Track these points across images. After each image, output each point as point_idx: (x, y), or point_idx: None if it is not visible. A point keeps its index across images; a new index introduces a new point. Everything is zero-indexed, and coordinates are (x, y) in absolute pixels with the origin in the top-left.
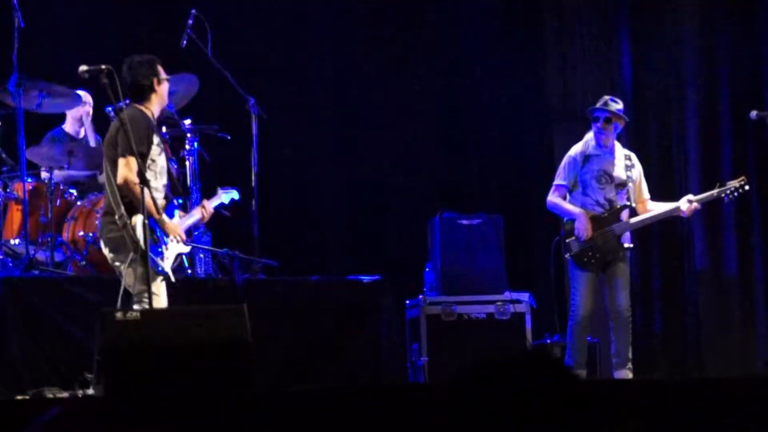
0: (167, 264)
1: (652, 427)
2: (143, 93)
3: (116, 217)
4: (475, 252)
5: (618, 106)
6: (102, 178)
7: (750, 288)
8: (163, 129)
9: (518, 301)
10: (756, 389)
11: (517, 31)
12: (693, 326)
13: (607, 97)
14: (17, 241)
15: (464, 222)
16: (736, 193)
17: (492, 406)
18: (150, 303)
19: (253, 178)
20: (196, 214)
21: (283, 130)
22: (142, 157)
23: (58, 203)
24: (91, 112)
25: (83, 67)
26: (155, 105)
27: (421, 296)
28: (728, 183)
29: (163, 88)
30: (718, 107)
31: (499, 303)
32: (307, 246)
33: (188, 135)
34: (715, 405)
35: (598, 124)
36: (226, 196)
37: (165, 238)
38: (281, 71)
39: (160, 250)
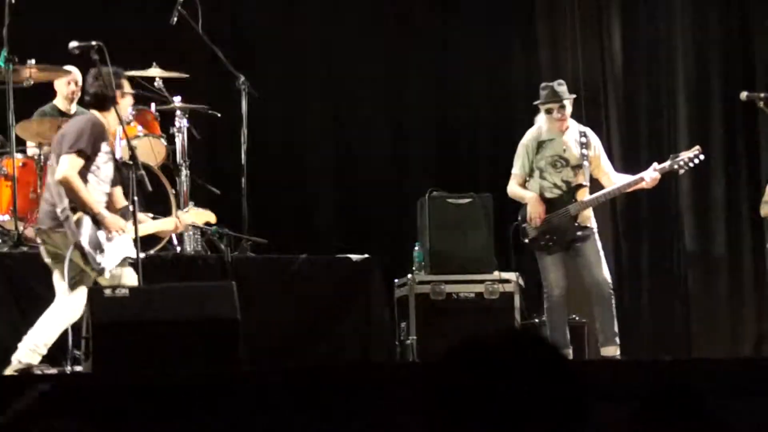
0: (107, 260)
1: (640, 408)
2: (105, 103)
3: (58, 210)
4: (464, 231)
5: (564, 87)
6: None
7: (739, 268)
8: (152, 105)
9: (507, 281)
10: (744, 370)
11: (507, 12)
12: (682, 306)
13: (551, 85)
14: (6, 216)
15: (454, 201)
16: (691, 164)
17: (479, 386)
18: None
19: (242, 155)
20: (168, 224)
21: (274, 108)
22: (87, 160)
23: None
24: (79, 89)
25: (73, 43)
26: (111, 119)
27: (410, 275)
28: (681, 153)
29: (125, 102)
30: (709, 88)
31: (488, 282)
32: (296, 224)
33: (178, 112)
34: (704, 385)
35: (554, 114)
36: (199, 216)
37: (108, 237)
38: (272, 49)
39: (103, 248)
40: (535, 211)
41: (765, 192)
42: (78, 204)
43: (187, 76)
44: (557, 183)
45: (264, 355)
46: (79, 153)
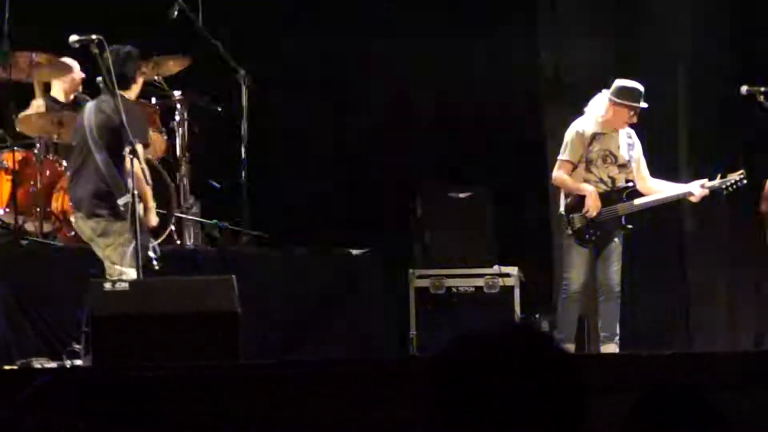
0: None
1: (640, 401)
2: (127, 83)
3: (120, 201)
4: (464, 225)
5: None
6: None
7: (739, 263)
8: (153, 99)
9: (507, 275)
10: (742, 364)
11: (510, 4)
12: (682, 302)
13: (640, 88)
14: (6, 210)
15: (454, 195)
16: (734, 186)
17: (479, 380)
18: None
19: (242, 149)
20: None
21: (274, 102)
22: (146, 148)
23: (47, 173)
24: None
25: (74, 37)
26: (133, 95)
27: (410, 269)
28: (729, 175)
29: (141, 81)
30: (708, 82)
31: (488, 276)
32: (296, 218)
33: (178, 106)
34: (703, 379)
35: (635, 119)
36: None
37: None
38: (272, 42)
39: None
40: (595, 206)
41: (765, 187)
42: (140, 193)
43: (189, 61)
44: (603, 178)
45: (264, 349)
46: (145, 144)
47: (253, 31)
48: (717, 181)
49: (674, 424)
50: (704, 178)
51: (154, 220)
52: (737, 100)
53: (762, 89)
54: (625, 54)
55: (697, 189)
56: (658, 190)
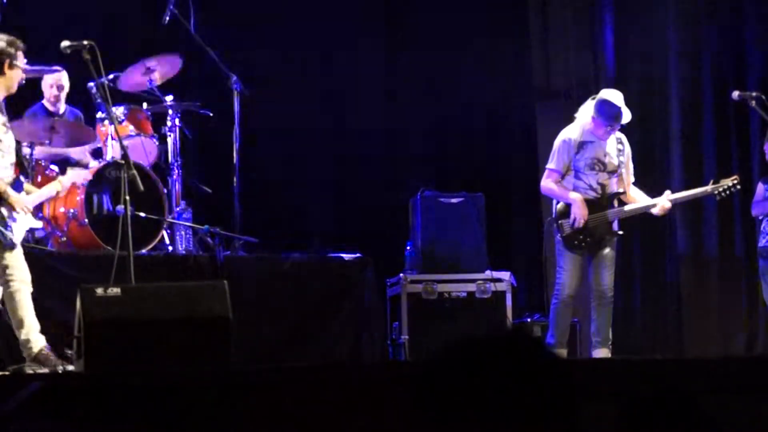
0: (17, 236)
1: (631, 406)
2: None
3: None
4: (456, 230)
5: (624, 104)
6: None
7: (730, 269)
8: (144, 105)
9: (499, 280)
10: (735, 369)
11: (501, 10)
12: (673, 307)
13: (620, 108)
14: None
15: (446, 200)
16: (727, 192)
17: (471, 385)
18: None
19: (234, 155)
20: (51, 188)
21: (266, 107)
22: None
23: (39, 179)
24: (66, 88)
25: (65, 43)
26: (1, 87)
27: (402, 274)
28: (722, 181)
29: (13, 74)
30: (701, 87)
31: (480, 282)
32: (288, 223)
33: (170, 112)
34: (695, 384)
35: (616, 128)
36: (78, 175)
37: (12, 213)
38: (265, 48)
39: (8, 224)
40: (581, 213)
41: (756, 192)
42: None
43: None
44: (592, 185)
45: (256, 354)
46: None
47: (245, 37)
48: (710, 187)
49: (665, 429)
50: (699, 183)
51: (16, 203)
52: (729, 105)
53: (753, 94)
54: (616, 60)
55: (661, 203)
56: (635, 200)
